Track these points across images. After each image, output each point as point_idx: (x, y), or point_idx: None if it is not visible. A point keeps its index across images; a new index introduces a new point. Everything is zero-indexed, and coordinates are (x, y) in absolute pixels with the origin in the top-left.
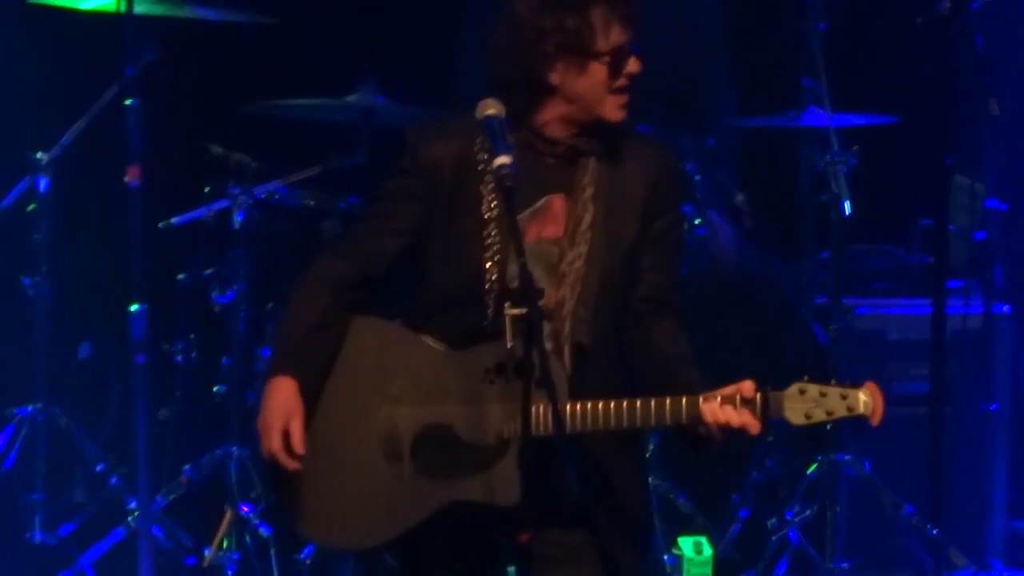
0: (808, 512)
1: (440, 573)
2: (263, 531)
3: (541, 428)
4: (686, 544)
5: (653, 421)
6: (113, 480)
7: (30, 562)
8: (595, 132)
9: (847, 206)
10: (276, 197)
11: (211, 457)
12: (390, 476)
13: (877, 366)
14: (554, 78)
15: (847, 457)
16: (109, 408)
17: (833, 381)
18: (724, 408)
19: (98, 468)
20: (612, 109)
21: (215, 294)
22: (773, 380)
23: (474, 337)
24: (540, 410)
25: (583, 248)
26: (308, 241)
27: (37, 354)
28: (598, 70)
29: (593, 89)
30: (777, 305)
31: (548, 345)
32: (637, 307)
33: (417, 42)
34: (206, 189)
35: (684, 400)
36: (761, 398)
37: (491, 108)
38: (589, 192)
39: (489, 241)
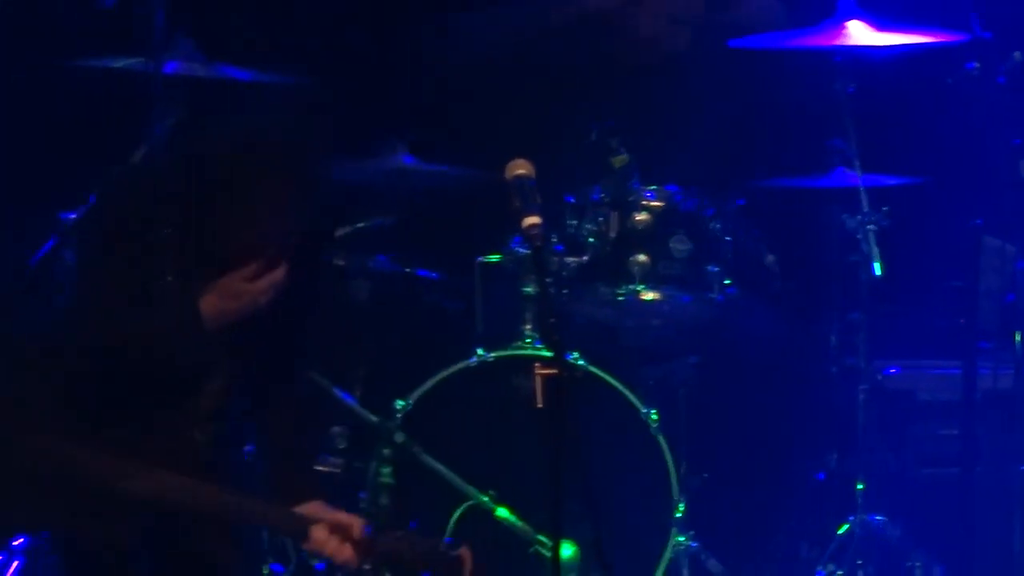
0: (838, 573)
1: None
2: None
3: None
4: None
5: (256, 520)
6: None
7: None
8: None
9: (877, 267)
10: None
11: None
12: None
13: (906, 427)
14: None
15: (878, 517)
16: None
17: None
18: (331, 539)
19: None
20: None
21: None
22: (800, 443)
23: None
24: (164, 478)
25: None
26: (337, 301)
27: None
28: None
29: None
30: (804, 368)
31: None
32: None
33: (448, 103)
34: None
35: (293, 515)
36: (368, 539)
37: (521, 168)
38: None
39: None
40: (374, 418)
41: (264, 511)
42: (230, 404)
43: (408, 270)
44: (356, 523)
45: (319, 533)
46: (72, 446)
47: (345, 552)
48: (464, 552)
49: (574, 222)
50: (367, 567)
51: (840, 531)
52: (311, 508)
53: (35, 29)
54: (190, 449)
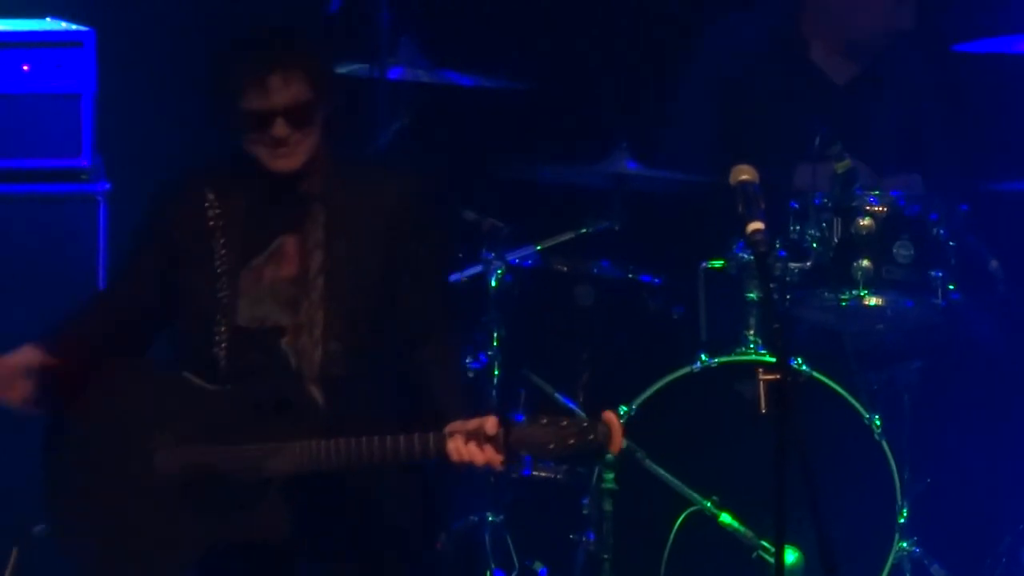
0: None
1: None
2: None
3: (299, 465)
4: None
5: (400, 457)
6: None
7: None
8: (322, 171)
9: None
10: (528, 262)
11: (465, 523)
12: (163, 517)
13: None
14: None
15: None
16: None
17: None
18: (468, 446)
19: None
20: (268, 160)
21: (468, 359)
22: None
23: (217, 380)
24: (297, 449)
25: (319, 286)
26: (561, 306)
27: None
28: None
29: (248, 142)
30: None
31: (297, 378)
32: (404, 334)
33: (670, 108)
34: (459, 254)
35: (431, 437)
36: (504, 433)
37: (745, 174)
38: (319, 234)
39: (221, 295)
40: None
41: (397, 447)
42: (344, 364)
43: (631, 275)
44: (487, 422)
45: (454, 444)
46: (205, 449)
47: (484, 454)
48: (608, 417)
49: (797, 227)
50: (513, 463)
51: None
52: (448, 427)
53: None
54: (311, 412)
